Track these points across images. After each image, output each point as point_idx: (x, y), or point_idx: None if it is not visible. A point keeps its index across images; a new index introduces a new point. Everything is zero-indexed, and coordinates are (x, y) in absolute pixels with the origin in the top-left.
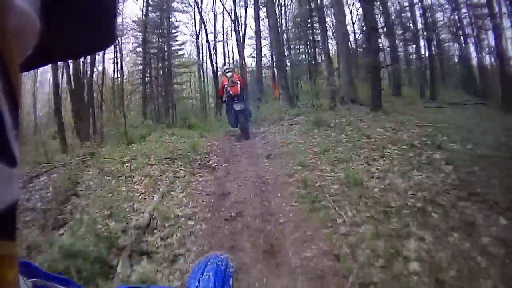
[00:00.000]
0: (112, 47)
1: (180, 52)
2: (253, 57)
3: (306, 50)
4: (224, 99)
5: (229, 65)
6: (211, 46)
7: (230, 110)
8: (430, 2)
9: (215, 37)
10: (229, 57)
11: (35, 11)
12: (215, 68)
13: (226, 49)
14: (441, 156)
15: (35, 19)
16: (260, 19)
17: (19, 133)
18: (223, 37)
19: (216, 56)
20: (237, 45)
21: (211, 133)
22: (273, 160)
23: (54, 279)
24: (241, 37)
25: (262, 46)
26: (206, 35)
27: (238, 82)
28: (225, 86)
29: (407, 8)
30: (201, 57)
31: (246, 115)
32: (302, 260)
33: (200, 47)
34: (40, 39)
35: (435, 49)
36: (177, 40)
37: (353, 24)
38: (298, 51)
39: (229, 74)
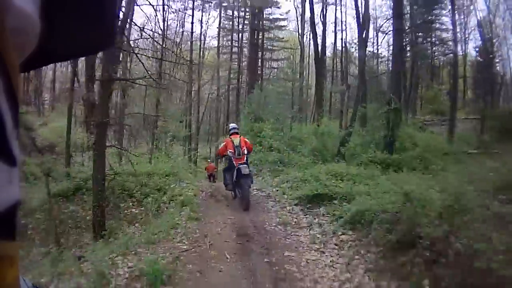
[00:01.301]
0: None
1: (282, 23)
2: (384, 32)
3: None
4: (223, 156)
5: (236, 124)
6: (319, 13)
7: (230, 171)
8: None
9: (324, 1)
10: (341, 32)
11: (35, 12)
12: (318, 47)
13: (340, 19)
14: None
15: (35, 20)
16: None
17: (19, 133)
18: (335, 2)
19: (324, 27)
20: (356, 15)
21: None
22: None
23: None
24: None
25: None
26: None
27: (246, 152)
28: (229, 153)
29: None
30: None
31: (250, 182)
32: None
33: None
34: (40, 39)
35: None
36: (279, 7)
37: None
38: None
39: (236, 140)
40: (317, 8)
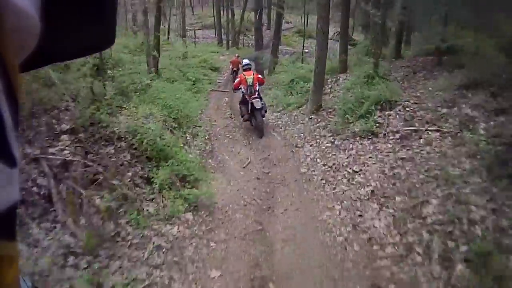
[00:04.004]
0: None
1: None
2: None
3: None
4: (239, 89)
5: (248, 60)
6: None
7: (245, 105)
8: None
9: None
10: None
11: (35, 12)
12: None
13: None
14: None
15: (35, 20)
16: None
17: (19, 134)
18: None
19: None
20: None
21: None
22: None
23: None
24: None
25: None
26: None
27: (257, 88)
28: (242, 89)
29: None
30: None
31: (263, 113)
32: None
33: None
34: (40, 39)
35: None
36: None
37: None
38: None
39: (249, 79)
40: None
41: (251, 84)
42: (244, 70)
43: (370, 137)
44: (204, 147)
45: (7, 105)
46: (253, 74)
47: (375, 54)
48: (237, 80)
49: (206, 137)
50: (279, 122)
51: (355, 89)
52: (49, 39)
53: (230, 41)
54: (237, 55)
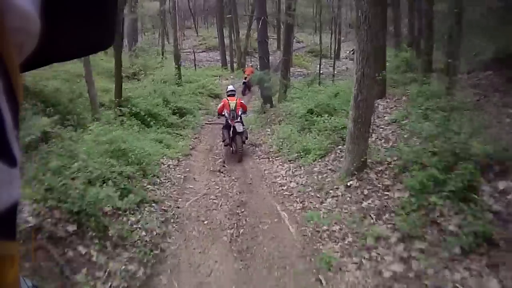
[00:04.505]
0: None
1: None
2: None
3: None
4: (223, 114)
5: (233, 86)
6: None
7: (227, 129)
8: None
9: None
10: None
11: (35, 12)
12: None
13: None
14: None
15: (36, 20)
16: None
17: (19, 133)
18: None
19: None
20: None
21: None
22: None
23: None
24: None
25: None
26: None
27: (240, 113)
28: (225, 114)
29: None
30: None
31: (244, 139)
32: None
33: None
34: (40, 39)
35: None
36: None
37: None
38: None
39: (232, 104)
40: None
41: (233, 108)
42: (228, 96)
43: (483, 253)
44: (132, 276)
45: (8, 105)
46: (236, 99)
47: (448, 69)
48: (220, 105)
49: (155, 233)
50: (292, 185)
51: (414, 124)
52: (49, 39)
53: (235, 63)
54: (251, 64)
